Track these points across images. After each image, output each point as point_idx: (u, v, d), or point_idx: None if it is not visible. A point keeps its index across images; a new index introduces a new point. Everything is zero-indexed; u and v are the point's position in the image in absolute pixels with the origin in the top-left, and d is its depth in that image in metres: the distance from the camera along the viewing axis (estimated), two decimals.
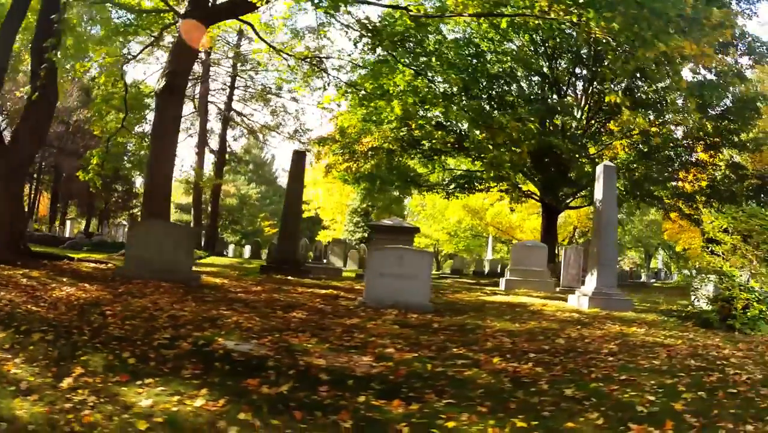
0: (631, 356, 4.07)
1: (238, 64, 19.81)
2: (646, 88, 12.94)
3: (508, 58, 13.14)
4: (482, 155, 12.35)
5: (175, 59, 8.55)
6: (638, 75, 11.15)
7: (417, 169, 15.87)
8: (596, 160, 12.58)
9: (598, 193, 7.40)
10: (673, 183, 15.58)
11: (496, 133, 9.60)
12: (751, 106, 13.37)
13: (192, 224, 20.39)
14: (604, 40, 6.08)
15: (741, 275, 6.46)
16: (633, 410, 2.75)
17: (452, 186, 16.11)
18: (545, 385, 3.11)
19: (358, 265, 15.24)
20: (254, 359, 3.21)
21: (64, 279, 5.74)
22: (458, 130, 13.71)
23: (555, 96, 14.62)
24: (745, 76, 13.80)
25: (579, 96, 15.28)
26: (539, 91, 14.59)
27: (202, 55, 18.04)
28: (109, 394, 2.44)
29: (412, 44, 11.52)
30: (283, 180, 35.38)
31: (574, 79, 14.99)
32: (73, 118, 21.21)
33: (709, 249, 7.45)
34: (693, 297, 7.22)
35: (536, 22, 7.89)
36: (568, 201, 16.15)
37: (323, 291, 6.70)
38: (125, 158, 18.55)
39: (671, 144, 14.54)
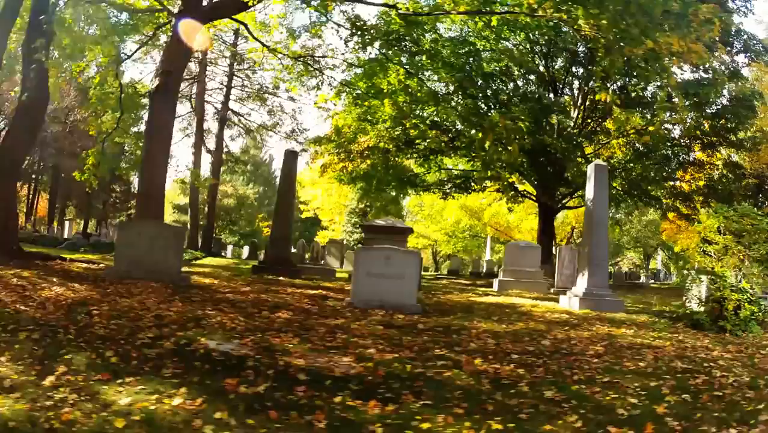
0: (617, 357, 4.06)
1: (235, 64, 19.84)
2: (636, 86, 12.92)
3: (504, 56, 13.13)
4: (474, 154, 12.36)
5: (169, 59, 8.56)
6: (629, 73, 11.13)
7: (413, 169, 15.88)
8: (592, 159, 12.56)
9: (590, 192, 7.39)
10: (671, 183, 15.57)
11: (486, 131, 9.60)
12: (747, 104, 13.34)
13: (189, 225, 20.44)
14: (592, 37, 6.07)
15: (733, 276, 6.45)
16: (613, 413, 2.75)
17: (449, 186, 16.11)
18: (526, 387, 3.11)
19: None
20: (234, 358, 3.21)
21: (55, 279, 5.75)
22: (453, 130, 13.72)
23: (551, 95, 14.62)
24: (741, 74, 13.78)
25: (575, 95, 15.28)
26: (535, 90, 14.58)
27: (199, 55, 18.08)
28: (89, 392, 2.46)
29: (407, 43, 11.54)
30: None
31: (570, 78, 14.98)
32: (71, 118, 21.26)
33: (702, 249, 7.44)
34: (685, 298, 7.20)
35: (526, 20, 7.90)
36: (564, 201, 16.15)
37: (312, 292, 6.70)
38: (122, 158, 18.57)
39: (668, 143, 14.52)
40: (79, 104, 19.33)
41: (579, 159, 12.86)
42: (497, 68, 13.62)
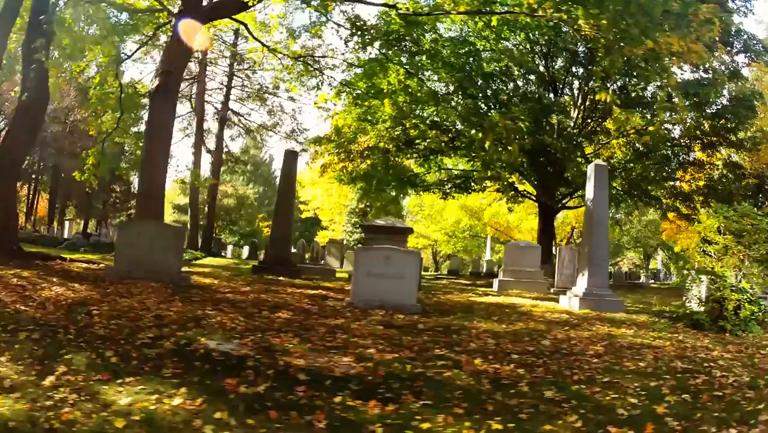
0: (617, 357, 4.05)
1: (235, 64, 19.84)
2: (636, 86, 12.91)
3: (504, 56, 13.14)
4: (474, 154, 12.36)
5: (169, 59, 8.56)
6: (629, 73, 11.14)
7: (413, 169, 15.88)
8: (592, 159, 12.56)
9: (590, 192, 7.39)
10: (671, 183, 15.56)
11: (486, 131, 9.60)
12: (747, 104, 13.34)
13: (189, 225, 20.43)
14: (592, 38, 6.08)
15: (733, 276, 6.44)
16: (613, 413, 2.74)
17: (449, 186, 16.11)
18: (526, 387, 3.11)
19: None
20: (234, 358, 3.22)
21: (55, 279, 5.75)
22: (453, 130, 13.72)
23: (551, 95, 14.61)
24: (741, 74, 13.78)
25: (575, 95, 15.28)
26: (535, 90, 14.58)
27: (199, 55, 18.08)
28: (89, 392, 2.47)
29: (407, 43, 11.54)
30: None
31: (570, 78, 14.99)
32: (71, 118, 21.26)
33: (702, 250, 7.44)
34: (685, 298, 7.20)
35: (526, 20, 7.90)
36: (564, 201, 16.15)
37: (312, 292, 6.70)
38: (123, 158, 18.57)
39: (668, 143, 14.52)
40: (79, 104, 19.33)
41: (579, 159, 12.86)
42: (497, 68, 13.63)
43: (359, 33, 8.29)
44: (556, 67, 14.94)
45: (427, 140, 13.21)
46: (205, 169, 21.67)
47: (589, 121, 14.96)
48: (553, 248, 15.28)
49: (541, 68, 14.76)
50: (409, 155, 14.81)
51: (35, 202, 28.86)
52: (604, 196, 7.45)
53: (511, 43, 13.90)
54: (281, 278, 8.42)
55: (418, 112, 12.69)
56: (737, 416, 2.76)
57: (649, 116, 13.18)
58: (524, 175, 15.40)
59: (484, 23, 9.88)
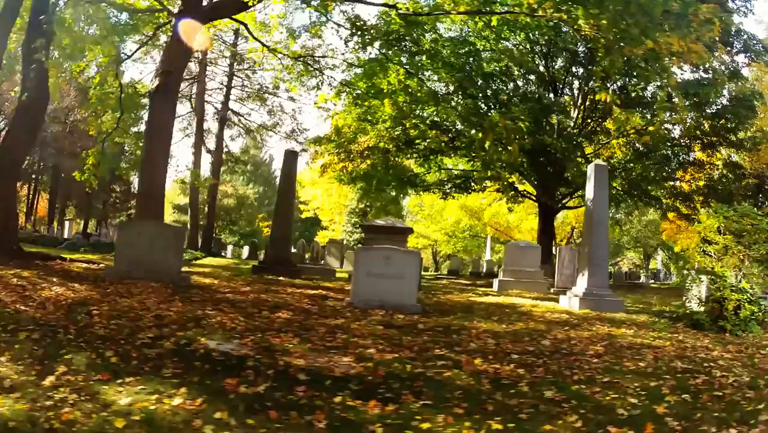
0: (617, 357, 4.05)
1: (235, 64, 19.84)
2: (636, 86, 12.91)
3: (504, 57, 13.14)
4: (474, 154, 12.36)
5: (169, 59, 8.56)
6: (630, 73, 11.14)
7: (414, 169, 15.88)
8: (592, 159, 12.56)
9: (590, 192, 7.39)
10: (671, 183, 15.56)
11: (486, 131, 9.60)
12: (747, 104, 13.34)
13: (189, 225, 20.44)
14: (592, 38, 6.07)
15: (733, 276, 6.44)
16: (613, 413, 2.74)
17: (449, 186, 16.11)
18: (526, 387, 3.10)
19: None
20: (234, 358, 3.22)
21: (55, 279, 5.76)
22: (453, 130, 13.72)
23: (551, 95, 14.61)
24: (741, 74, 13.78)
25: (575, 95, 15.28)
26: (535, 90, 14.58)
27: (199, 55, 18.08)
28: (89, 392, 2.47)
29: (407, 43, 11.54)
30: None
31: (570, 78, 14.99)
32: (71, 118, 21.26)
33: (702, 250, 7.44)
34: (685, 298, 7.20)
35: (526, 20, 7.89)
36: (564, 201, 16.15)
37: (312, 292, 6.70)
38: (123, 158, 18.58)
39: (668, 143, 14.53)
40: (80, 104, 19.34)
41: (579, 159, 12.86)
42: (497, 68, 13.63)
43: (359, 33, 8.29)
44: (557, 67, 14.94)
45: (427, 140, 13.22)
46: (205, 169, 21.69)
47: (589, 121, 14.97)
48: (554, 248, 15.28)
49: (541, 68, 14.76)
50: (409, 155, 14.81)
51: (35, 202, 28.86)
52: (604, 196, 7.44)
53: (511, 43, 13.90)
54: (281, 278, 8.42)
55: (418, 112, 12.69)
56: (737, 416, 2.76)
57: (649, 116, 13.18)
58: (524, 175, 15.40)
59: (484, 23, 9.88)
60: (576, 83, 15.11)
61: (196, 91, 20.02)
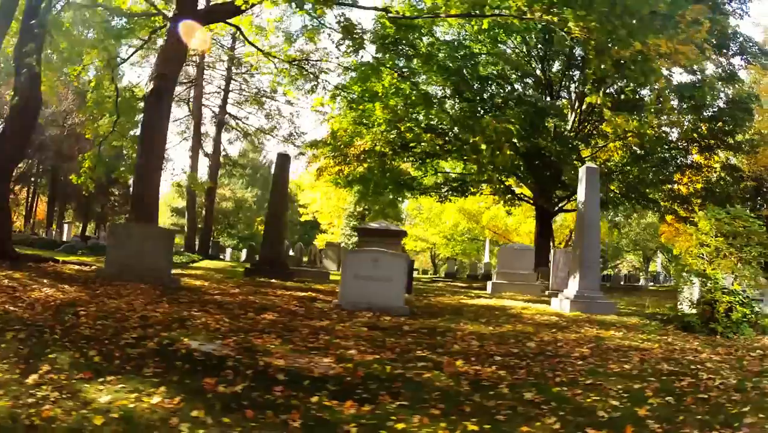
0: (602, 360, 4.03)
1: (233, 68, 19.96)
2: (626, 88, 12.94)
3: (500, 60, 13.20)
4: (466, 157, 12.38)
5: (163, 63, 8.63)
6: (625, 76, 11.17)
7: (410, 173, 15.91)
8: (589, 162, 12.56)
9: (581, 194, 7.39)
10: (669, 186, 15.55)
11: (477, 134, 9.64)
12: (744, 106, 13.34)
13: (186, 228, 20.49)
14: (583, 40, 6.10)
15: (725, 278, 6.41)
16: (594, 415, 2.72)
17: (445, 189, 16.13)
18: (506, 388, 3.09)
19: None
20: (215, 358, 3.23)
21: (45, 281, 5.78)
22: (448, 133, 13.76)
23: (548, 98, 14.64)
24: (737, 76, 13.80)
25: (572, 98, 15.31)
26: (531, 93, 14.63)
27: (196, 59, 18.21)
28: (71, 390, 2.49)
29: (403, 47, 11.61)
30: None
31: (566, 81, 15.03)
32: (69, 121, 21.39)
33: (691, 252, 7.42)
34: (678, 301, 7.17)
35: (517, 22, 7.93)
36: (561, 204, 16.14)
37: (302, 294, 6.70)
38: (121, 162, 18.67)
39: (666, 146, 14.53)
40: (78, 108, 19.46)
41: (576, 162, 12.86)
42: (494, 72, 13.68)
43: (350, 36, 8.35)
44: (553, 70, 14.99)
45: (422, 144, 13.26)
46: (203, 173, 21.79)
47: (585, 124, 14.99)
48: (550, 251, 15.24)
49: (538, 72, 14.82)
50: (405, 159, 14.85)
51: (34, 205, 28.99)
52: (596, 198, 7.44)
53: (508, 47, 13.97)
54: (273, 280, 8.42)
55: (414, 115, 12.73)
56: (721, 418, 2.72)
57: (645, 119, 13.18)
58: (521, 178, 15.42)
59: (480, 27, 9.93)
60: (572, 86, 15.16)
61: (194, 95, 20.14)
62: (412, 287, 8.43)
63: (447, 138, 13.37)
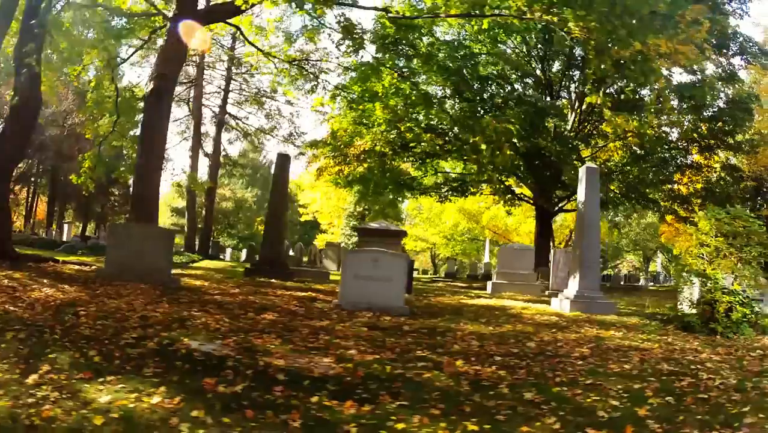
0: (602, 360, 4.03)
1: (233, 68, 19.96)
2: (626, 88, 12.95)
3: (500, 60, 13.20)
4: (465, 157, 12.38)
5: (163, 63, 8.64)
6: (625, 76, 11.18)
7: (410, 173, 15.91)
8: (589, 162, 12.55)
9: (581, 194, 7.39)
10: (669, 186, 15.55)
11: (476, 134, 9.64)
12: (744, 106, 13.34)
13: (186, 228, 20.49)
14: (583, 40, 6.11)
15: (725, 278, 6.40)
16: (594, 415, 2.71)
17: (445, 189, 16.13)
18: (506, 388, 3.09)
19: None
20: (215, 358, 3.23)
21: (45, 280, 5.78)
22: (448, 133, 13.76)
23: (548, 98, 14.64)
24: (737, 76, 13.80)
25: (572, 98, 15.31)
26: (531, 93, 14.64)
27: (196, 59, 18.22)
28: (71, 390, 2.49)
29: (403, 47, 11.60)
30: None
31: (566, 81, 15.03)
32: (69, 121, 21.40)
33: (691, 251, 7.42)
34: (678, 301, 7.17)
35: (517, 22, 7.93)
36: (562, 204, 16.14)
37: (302, 294, 6.70)
38: (122, 162, 18.68)
39: (666, 146, 14.53)
40: (78, 108, 19.47)
41: (576, 162, 12.86)
42: (494, 72, 13.68)
43: (350, 36, 8.36)
44: (553, 70, 14.98)
45: (422, 144, 13.27)
46: (203, 173, 21.80)
47: (585, 124, 14.99)
48: (550, 251, 15.23)
49: (538, 72, 14.81)
50: (405, 159, 14.85)
51: (34, 205, 29.00)
52: (596, 198, 7.43)
53: (508, 46, 13.96)
54: (273, 280, 8.42)
55: (414, 115, 12.74)
56: (721, 418, 2.72)
57: (645, 119, 13.17)
58: (521, 178, 15.42)
59: (480, 27, 9.93)
60: (572, 86, 15.16)
61: (194, 95, 20.14)
62: (412, 287, 8.43)
63: (447, 138, 13.37)
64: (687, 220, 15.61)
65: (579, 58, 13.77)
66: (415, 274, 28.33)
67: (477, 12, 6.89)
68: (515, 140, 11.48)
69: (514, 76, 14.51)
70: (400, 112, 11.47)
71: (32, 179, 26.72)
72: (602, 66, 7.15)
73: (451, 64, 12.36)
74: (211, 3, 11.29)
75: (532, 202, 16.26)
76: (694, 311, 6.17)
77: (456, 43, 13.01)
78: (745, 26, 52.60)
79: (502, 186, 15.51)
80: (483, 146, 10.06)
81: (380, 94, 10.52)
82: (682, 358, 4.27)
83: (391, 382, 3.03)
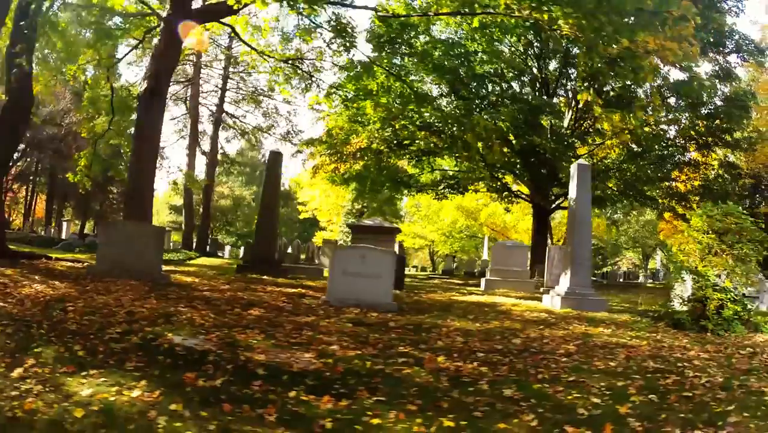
0: (588, 357, 4.01)
1: (230, 66, 19.95)
2: (616, 85, 12.90)
3: (495, 59, 13.16)
4: (457, 155, 12.35)
5: (157, 62, 8.65)
6: (618, 73, 11.15)
7: (407, 170, 15.90)
8: (586, 159, 12.51)
9: (572, 191, 7.38)
10: (667, 183, 15.50)
11: (467, 132, 9.62)
12: (740, 104, 13.28)
13: (184, 226, 20.53)
14: (572, 37, 6.08)
15: (723, 276, 6.36)
16: (573, 413, 2.69)
17: (442, 186, 16.12)
18: (485, 385, 3.07)
19: None
20: (197, 353, 3.25)
21: (37, 277, 5.82)
22: (444, 131, 13.74)
23: (544, 96, 14.60)
24: (734, 74, 13.74)
25: (569, 96, 15.27)
26: (527, 91, 14.60)
27: (193, 57, 18.21)
28: (54, 384, 2.52)
29: (398, 45, 11.57)
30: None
31: (563, 79, 14.98)
32: (66, 120, 21.43)
33: (681, 249, 7.40)
34: (671, 297, 7.15)
35: (512, 21, 7.90)
36: (559, 201, 16.11)
37: (292, 290, 6.71)
38: (120, 160, 18.71)
39: (663, 144, 14.47)
40: (75, 107, 19.51)
41: (572, 159, 12.82)
42: (490, 70, 13.63)
43: (341, 36, 8.35)
44: (550, 68, 14.93)
45: (417, 141, 13.25)
46: (201, 171, 21.83)
47: (581, 122, 14.95)
48: (547, 249, 15.22)
49: (534, 70, 14.77)
50: (402, 156, 14.84)
51: (33, 203, 29.09)
52: (587, 195, 7.42)
53: (505, 45, 13.91)
54: (265, 277, 8.45)
55: (409, 114, 12.72)
56: (705, 417, 2.68)
57: (637, 117, 13.12)
58: (518, 175, 15.40)
59: (476, 26, 9.88)
60: (569, 84, 15.11)
61: (191, 93, 20.15)
62: (403, 284, 8.43)
63: (442, 135, 13.35)
64: (685, 217, 15.56)
65: (575, 56, 13.71)
66: (413, 271, 28.42)
67: (467, 10, 6.88)
68: (511, 137, 11.45)
69: (510, 74, 14.47)
70: (394, 110, 11.46)
71: (31, 178, 26.79)
72: (591, 63, 7.12)
73: (446, 63, 12.31)
74: (206, 3, 11.27)
75: (529, 199, 16.24)
76: (685, 308, 6.15)
77: (451, 41, 12.97)
78: (741, 24, 52.42)
79: (498, 183, 15.48)
80: (480, 144, 10.03)
81: (375, 93, 10.51)
82: (670, 355, 4.24)
83: (370, 377, 3.04)
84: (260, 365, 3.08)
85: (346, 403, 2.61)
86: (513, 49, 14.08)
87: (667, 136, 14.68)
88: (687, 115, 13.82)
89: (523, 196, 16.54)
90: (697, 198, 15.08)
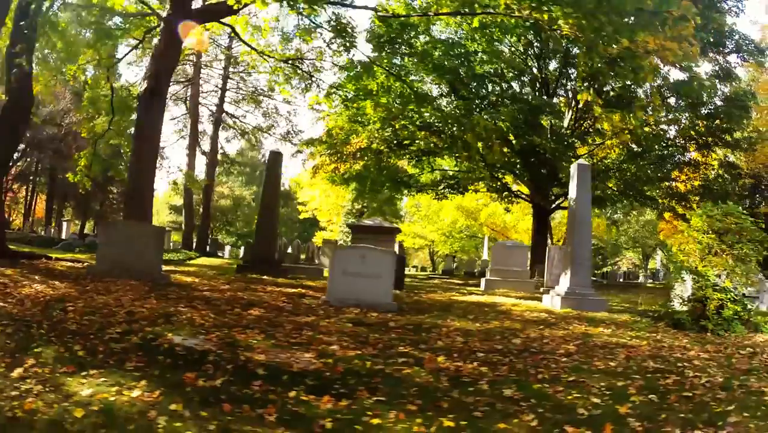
0: (588, 357, 4.01)
1: (230, 66, 19.95)
2: (615, 85, 12.90)
3: (495, 59, 13.16)
4: (457, 155, 12.35)
5: (157, 62, 8.65)
6: (618, 73, 11.16)
7: (407, 170, 15.90)
8: (587, 159, 12.52)
9: (572, 191, 7.38)
10: (667, 183, 15.50)
11: (466, 132, 9.63)
12: (740, 104, 13.28)
13: (184, 226, 20.53)
14: (572, 37, 6.09)
15: (724, 276, 6.35)
16: (573, 413, 2.68)
17: (442, 186, 16.13)
18: (485, 385, 3.07)
19: None
20: (197, 353, 3.25)
21: (37, 277, 5.82)
22: (444, 131, 13.75)
23: (544, 96, 14.61)
24: (734, 74, 13.74)
25: (569, 96, 15.27)
26: (527, 91, 14.60)
27: (193, 57, 18.22)
28: (54, 384, 2.53)
29: (398, 45, 11.56)
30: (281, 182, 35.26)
31: (563, 79, 14.98)
32: (66, 120, 21.44)
33: (681, 249, 7.40)
34: (671, 297, 7.15)
35: (512, 21, 7.91)
36: (559, 201, 16.11)
37: (292, 290, 6.71)
38: (121, 160, 18.71)
39: (663, 144, 14.48)
40: (75, 107, 19.51)
41: (572, 159, 12.82)
42: (490, 70, 13.64)
43: (341, 36, 8.35)
44: (550, 68, 14.94)
45: (417, 141, 13.25)
46: (201, 171, 21.83)
47: (581, 122, 14.96)
48: (547, 249, 15.22)
49: (535, 70, 14.77)
50: (402, 156, 14.84)
51: (34, 203, 29.10)
52: (587, 195, 7.42)
53: (505, 45, 13.91)
54: (265, 277, 8.45)
55: (409, 114, 12.72)
56: (705, 417, 2.68)
57: (637, 116, 13.12)
58: (518, 175, 15.40)
59: (476, 26, 9.89)
60: (569, 84, 15.11)
61: (191, 93, 20.16)
62: (403, 284, 8.43)
63: (442, 135, 13.36)
64: (685, 217, 15.55)
65: (575, 56, 13.71)
66: (413, 271, 28.44)
67: (467, 10, 6.87)
68: (511, 137, 11.45)
69: (510, 74, 14.47)
70: (394, 110, 11.46)
71: (31, 178, 26.80)
72: (591, 63, 7.13)
73: (446, 63, 12.31)
74: (206, 3, 11.28)
75: (529, 199, 16.24)
76: (685, 308, 6.15)
77: (451, 41, 12.97)
78: (741, 24, 52.44)
79: (498, 183, 15.48)
80: (480, 144, 10.02)
81: (374, 93, 10.52)
82: (670, 355, 4.24)
83: (370, 377, 3.04)
84: (260, 365, 3.08)
85: (346, 403, 2.61)
86: (513, 49, 14.09)
87: (667, 136, 14.68)
88: (687, 115, 13.82)
89: (523, 196, 16.55)
90: (697, 198, 15.08)
